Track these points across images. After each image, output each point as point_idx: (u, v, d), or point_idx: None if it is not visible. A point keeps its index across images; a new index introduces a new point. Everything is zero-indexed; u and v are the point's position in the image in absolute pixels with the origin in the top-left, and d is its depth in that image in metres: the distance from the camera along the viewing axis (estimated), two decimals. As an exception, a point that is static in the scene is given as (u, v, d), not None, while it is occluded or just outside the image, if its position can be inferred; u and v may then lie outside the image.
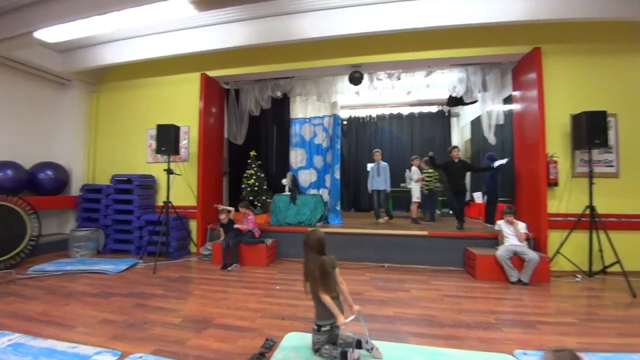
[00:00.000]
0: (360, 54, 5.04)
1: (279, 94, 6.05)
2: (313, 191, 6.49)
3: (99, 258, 5.10)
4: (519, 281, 3.85)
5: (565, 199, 4.47)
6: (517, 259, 3.92)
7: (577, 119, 4.30)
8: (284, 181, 6.12)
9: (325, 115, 6.52)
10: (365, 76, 5.46)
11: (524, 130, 4.84)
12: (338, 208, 6.12)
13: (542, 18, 3.99)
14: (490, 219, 5.35)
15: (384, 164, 6.17)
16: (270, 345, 2.25)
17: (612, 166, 4.50)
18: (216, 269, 4.51)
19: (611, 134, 4.40)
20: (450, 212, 7.79)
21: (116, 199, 5.57)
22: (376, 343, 2.17)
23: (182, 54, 5.22)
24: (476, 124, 7.06)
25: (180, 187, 5.49)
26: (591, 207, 4.13)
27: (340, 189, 6.40)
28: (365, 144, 9.13)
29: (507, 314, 3.05)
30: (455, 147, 5.59)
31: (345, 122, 8.99)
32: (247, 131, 6.35)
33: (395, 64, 5.19)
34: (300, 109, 6.72)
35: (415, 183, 6.19)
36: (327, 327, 2.06)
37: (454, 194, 5.41)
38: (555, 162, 4.47)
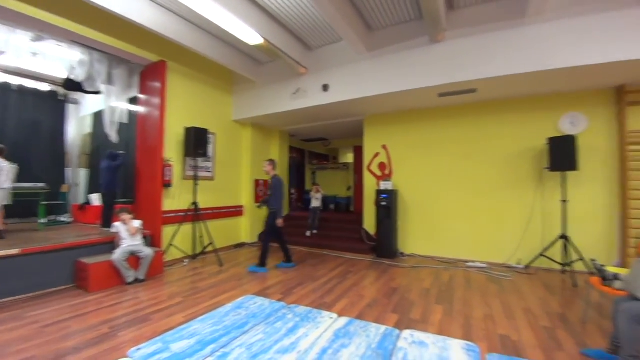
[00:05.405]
0: None
1: None
2: None
3: None
4: (136, 280, 3.96)
5: (177, 198, 5.26)
6: (134, 259, 4.01)
7: (187, 132, 5.25)
8: None
9: None
10: None
11: (146, 133, 5.06)
12: None
13: (169, 36, 4.38)
14: (108, 222, 5.00)
15: None
16: None
17: (210, 172, 5.99)
18: None
19: (211, 148, 5.84)
20: (62, 218, 6.40)
21: None
22: None
23: None
24: (99, 117, 6.34)
25: None
26: (195, 204, 5.21)
27: None
28: None
29: (122, 317, 3.00)
30: None
31: None
32: None
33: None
34: None
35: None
36: None
37: None
38: (171, 165, 5.13)
